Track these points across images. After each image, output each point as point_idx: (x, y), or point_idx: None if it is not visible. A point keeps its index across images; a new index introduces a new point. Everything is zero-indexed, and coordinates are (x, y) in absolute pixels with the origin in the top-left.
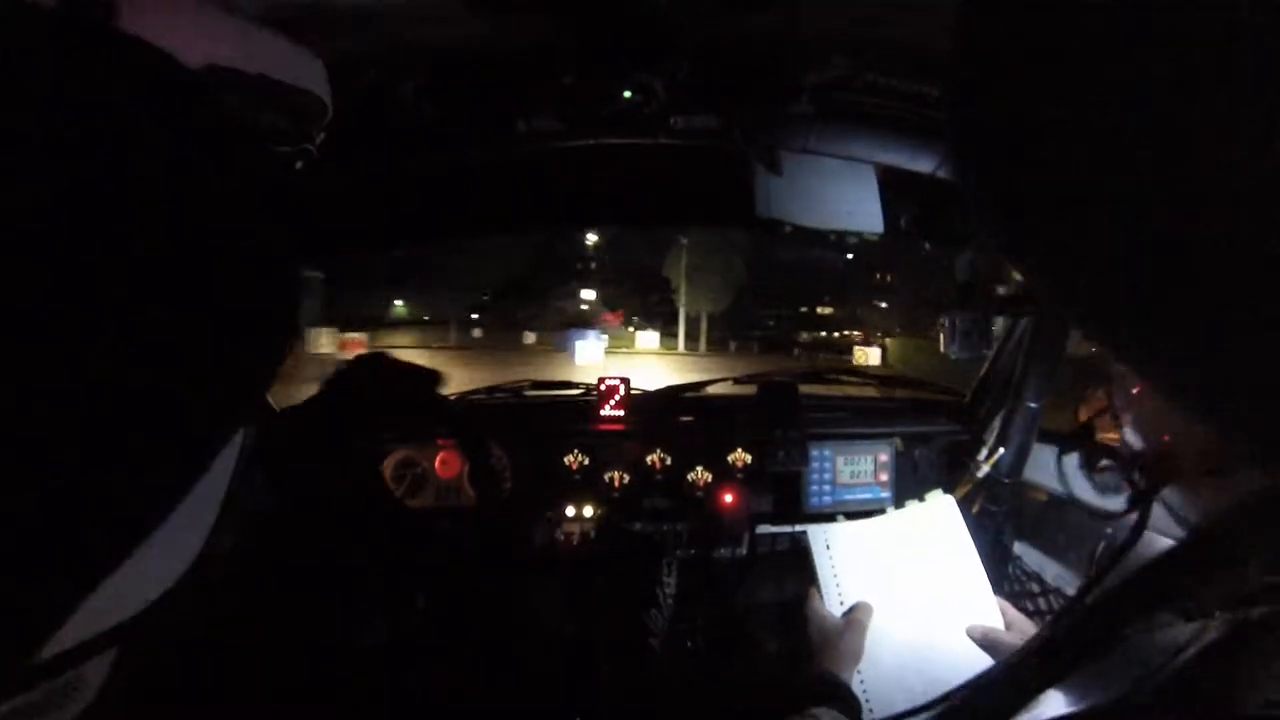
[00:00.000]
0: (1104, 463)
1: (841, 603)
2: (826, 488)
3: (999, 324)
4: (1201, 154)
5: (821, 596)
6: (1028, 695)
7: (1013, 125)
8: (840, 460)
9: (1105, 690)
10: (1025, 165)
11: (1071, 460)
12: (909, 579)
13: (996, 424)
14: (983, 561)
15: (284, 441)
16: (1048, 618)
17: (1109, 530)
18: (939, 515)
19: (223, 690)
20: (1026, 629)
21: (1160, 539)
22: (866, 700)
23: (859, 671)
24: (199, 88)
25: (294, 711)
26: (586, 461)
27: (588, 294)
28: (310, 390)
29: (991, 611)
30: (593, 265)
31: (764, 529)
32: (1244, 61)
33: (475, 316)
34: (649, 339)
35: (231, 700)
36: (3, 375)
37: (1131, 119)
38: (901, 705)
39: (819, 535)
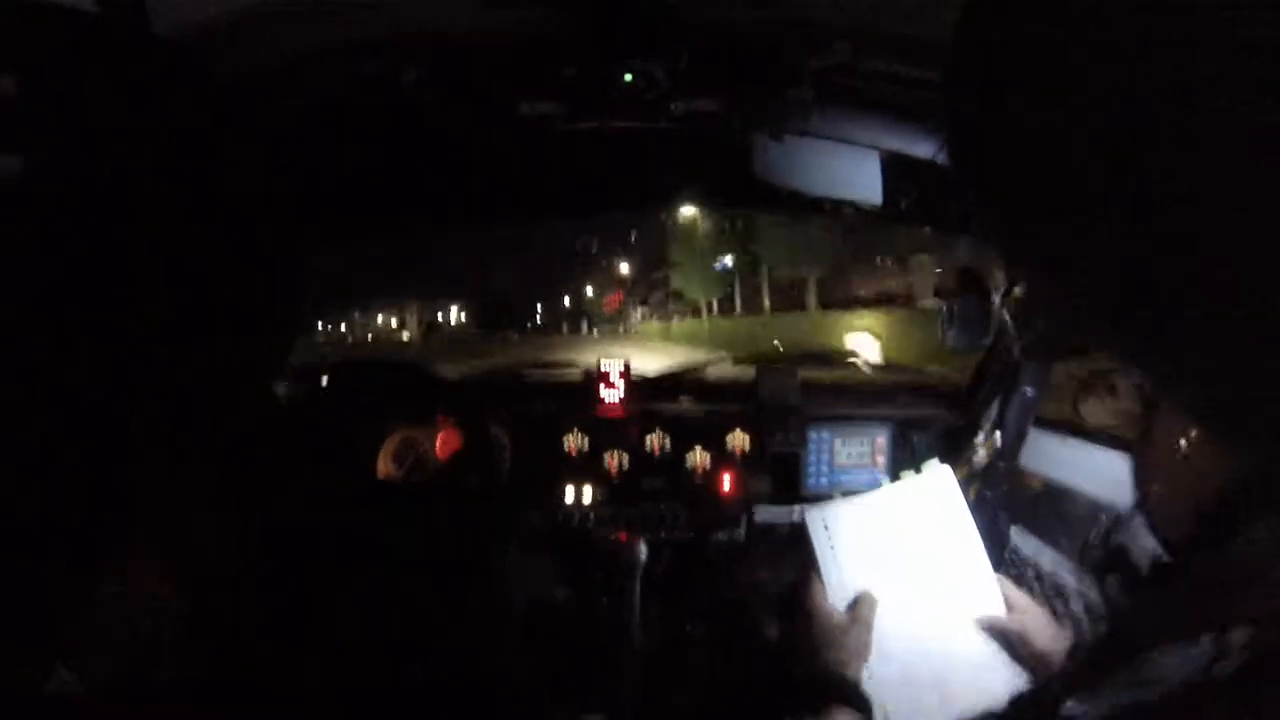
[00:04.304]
0: None
1: (844, 590)
2: (824, 470)
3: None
4: (1202, 156)
5: (823, 586)
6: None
7: (1012, 127)
8: (838, 443)
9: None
10: (1025, 167)
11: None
12: (909, 560)
13: (994, 410)
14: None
15: (287, 430)
16: (1061, 614)
17: (1103, 518)
18: (936, 487)
19: (220, 687)
20: (1028, 608)
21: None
22: (876, 696)
23: (866, 667)
24: (219, 92)
25: (296, 705)
26: (586, 443)
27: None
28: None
29: (993, 591)
30: (594, 249)
31: (762, 511)
32: (1246, 63)
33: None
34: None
35: (229, 698)
36: (24, 366)
37: (1131, 121)
38: (909, 700)
39: (817, 519)
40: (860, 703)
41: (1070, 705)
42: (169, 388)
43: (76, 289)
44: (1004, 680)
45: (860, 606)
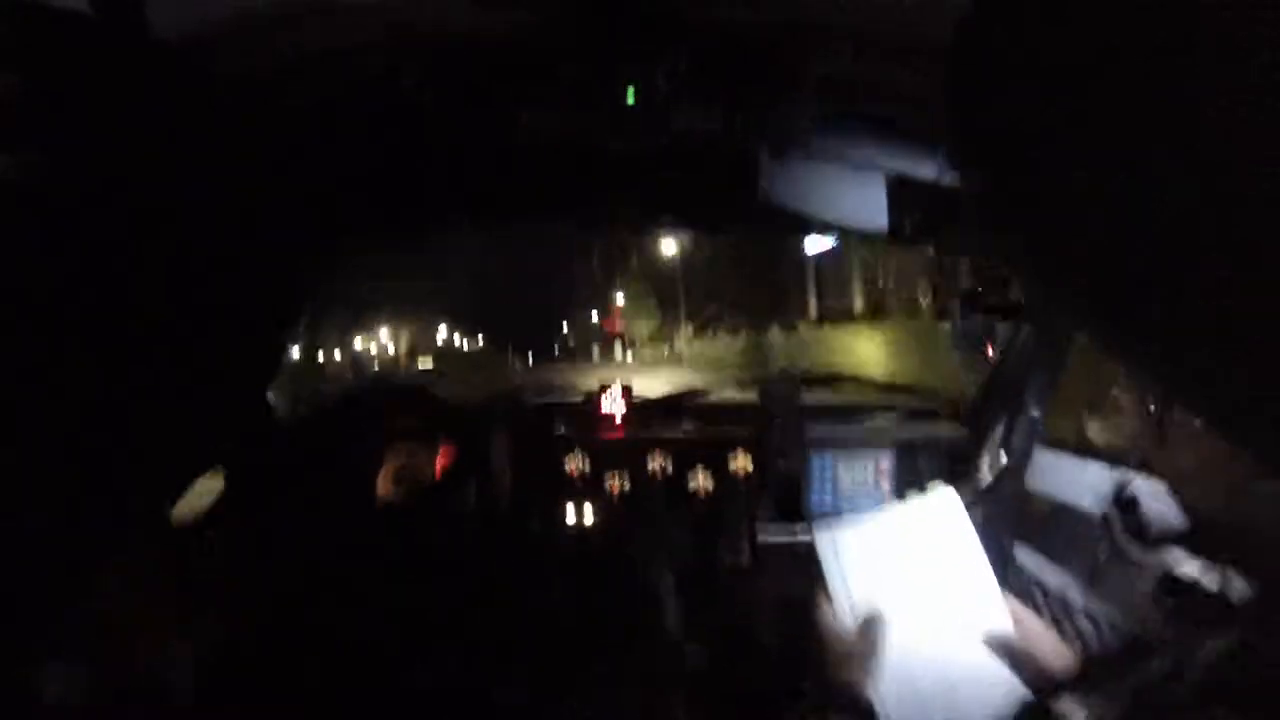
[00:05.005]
0: None
1: (853, 610)
2: (828, 494)
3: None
4: (1203, 156)
5: (833, 607)
6: None
7: (1013, 132)
8: (841, 467)
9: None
10: (1026, 172)
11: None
12: (917, 580)
13: (998, 431)
14: None
15: (289, 450)
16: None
17: (1107, 540)
18: (942, 510)
19: (224, 691)
20: (1035, 626)
21: (1175, 551)
22: (885, 715)
23: (874, 686)
24: (219, 97)
25: (297, 712)
26: (587, 466)
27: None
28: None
29: (1000, 610)
30: (594, 264)
31: (765, 533)
32: (1246, 63)
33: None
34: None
35: (231, 701)
36: (24, 366)
37: (1133, 121)
38: (916, 718)
39: (826, 540)
40: (868, 715)
41: (1064, 703)
42: (168, 388)
43: (76, 289)
44: (1010, 698)
45: (870, 627)
